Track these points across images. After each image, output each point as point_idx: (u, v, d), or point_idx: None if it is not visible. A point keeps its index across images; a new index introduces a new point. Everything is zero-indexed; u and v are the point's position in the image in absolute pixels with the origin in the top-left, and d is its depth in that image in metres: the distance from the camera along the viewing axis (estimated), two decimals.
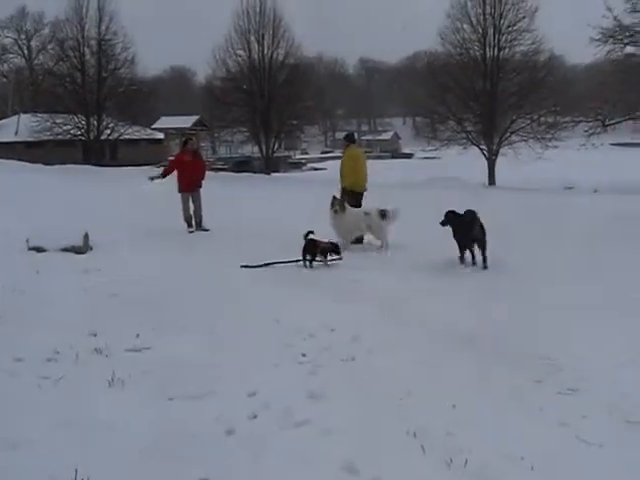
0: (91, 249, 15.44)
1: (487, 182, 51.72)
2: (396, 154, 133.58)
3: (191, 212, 19.66)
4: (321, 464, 5.43)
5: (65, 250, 14.95)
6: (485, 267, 13.96)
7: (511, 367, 7.82)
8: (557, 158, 54.41)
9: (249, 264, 13.79)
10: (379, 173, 50.24)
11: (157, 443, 5.73)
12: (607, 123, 46.76)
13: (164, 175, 20.19)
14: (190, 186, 19.64)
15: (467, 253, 14.37)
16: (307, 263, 14.05)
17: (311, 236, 14.26)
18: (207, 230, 19.41)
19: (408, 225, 17.05)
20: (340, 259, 14.47)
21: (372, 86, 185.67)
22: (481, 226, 14.04)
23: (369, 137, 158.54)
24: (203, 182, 20.03)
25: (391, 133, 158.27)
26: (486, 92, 53.86)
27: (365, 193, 18.20)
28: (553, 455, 5.72)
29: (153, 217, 20.87)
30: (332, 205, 16.38)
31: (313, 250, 14.12)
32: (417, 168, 73.95)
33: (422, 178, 49.50)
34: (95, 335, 8.64)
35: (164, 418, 6.22)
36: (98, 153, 64.88)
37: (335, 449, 5.64)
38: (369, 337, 8.83)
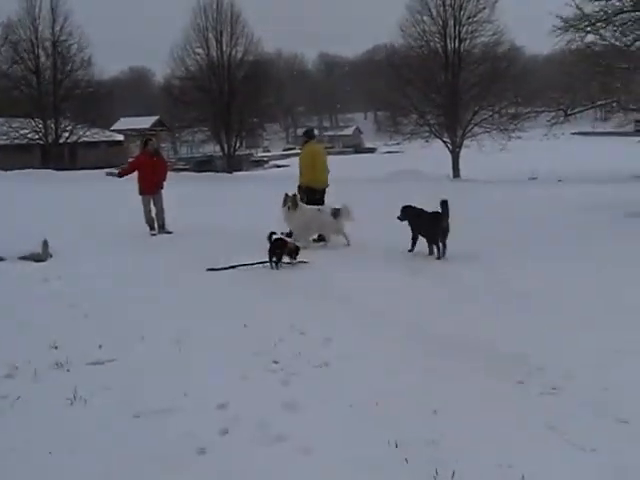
0: (51, 256, 14.91)
1: (452, 175, 51.40)
2: (359, 149, 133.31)
3: (153, 215, 19.10)
4: None
5: (23, 258, 14.40)
6: (440, 257, 14.35)
7: (489, 368, 7.50)
8: (520, 149, 54.51)
9: (214, 267, 13.37)
10: (343, 168, 50.08)
11: (123, 466, 5.38)
12: (569, 112, 46.59)
13: (120, 175, 19.95)
14: (151, 188, 19.06)
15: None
16: (273, 264, 13.62)
17: (276, 236, 13.91)
18: (170, 232, 18.86)
19: (375, 220, 17.09)
20: (306, 262, 14.07)
21: (332, 81, 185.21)
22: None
23: (331, 133, 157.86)
24: (165, 183, 19.47)
25: (353, 128, 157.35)
26: (448, 84, 53.56)
27: (327, 190, 17.78)
28: (543, 462, 5.44)
29: (115, 220, 20.45)
30: (284, 202, 16.09)
31: (280, 251, 13.72)
32: (381, 162, 73.87)
33: (386, 172, 49.09)
34: (56, 348, 8.27)
35: (130, 437, 5.87)
36: (57, 156, 64.04)
37: (316, 467, 5.35)
38: (341, 340, 8.52)
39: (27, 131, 63.23)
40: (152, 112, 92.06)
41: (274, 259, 13.61)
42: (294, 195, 16.27)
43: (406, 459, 5.42)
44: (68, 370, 7.51)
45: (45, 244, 14.90)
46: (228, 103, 64.13)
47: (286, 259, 13.83)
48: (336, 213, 16.18)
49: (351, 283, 11.98)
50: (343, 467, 5.36)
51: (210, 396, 6.65)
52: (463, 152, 53.46)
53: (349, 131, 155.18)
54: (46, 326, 9.26)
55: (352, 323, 9.36)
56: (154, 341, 8.53)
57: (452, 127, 53.20)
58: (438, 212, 14.20)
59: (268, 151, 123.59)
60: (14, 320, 9.59)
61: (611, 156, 62.46)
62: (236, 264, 13.50)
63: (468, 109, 53.83)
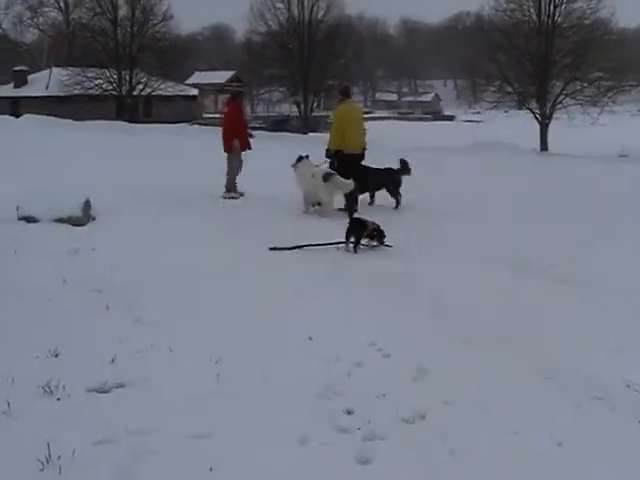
0: (93, 219, 12.91)
1: (539, 148, 48.30)
2: (438, 116, 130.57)
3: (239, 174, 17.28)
4: None
5: (60, 221, 12.42)
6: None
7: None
8: (611, 124, 51.37)
9: (277, 246, 11.25)
10: (422, 136, 47.91)
11: None
12: None
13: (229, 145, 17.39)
14: (245, 143, 17.37)
15: None
16: (351, 246, 11.41)
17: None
18: (242, 194, 16.96)
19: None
20: (390, 246, 11.79)
21: (413, 47, 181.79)
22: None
23: (410, 99, 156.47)
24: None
25: (432, 95, 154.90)
26: (540, 51, 50.05)
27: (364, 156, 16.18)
28: None
29: (184, 181, 18.16)
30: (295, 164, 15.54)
31: (360, 232, 11.49)
32: (461, 131, 70.82)
33: (467, 143, 46.28)
34: (56, 356, 6.20)
35: None
36: (131, 109, 62.45)
37: None
38: (439, 371, 6.27)
39: (102, 81, 61.48)
40: (229, 68, 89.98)
41: (352, 240, 11.40)
42: (306, 156, 15.51)
43: None
44: (59, 399, 5.39)
45: (87, 205, 12.87)
46: (307, 61, 61.96)
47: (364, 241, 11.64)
48: (327, 177, 14.83)
49: (446, 282, 9.62)
50: None
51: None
52: (552, 125, 50.12)
53: (428, 97, 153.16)
54: (52, 322, 7.21)
55: (450, 343, 7.08)
56: (183, 358, 6.39)
57: (542, 97, 49.83)
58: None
59: None
60: (13, 312, 7.55)
61: None
62: (304, 244, 11.36)
63: (560, 79, 50.30)
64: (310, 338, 6.96)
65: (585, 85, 49.33)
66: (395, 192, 16.52)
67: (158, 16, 65.53)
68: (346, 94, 16.49)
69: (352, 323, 7.46)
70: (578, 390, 5.96)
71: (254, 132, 45.15)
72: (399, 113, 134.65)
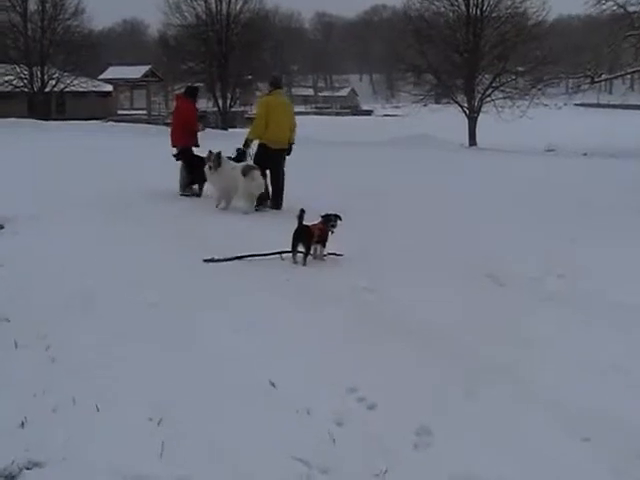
0: (1, 228, 11.50)
1: (468, 142, 47.44)
2: (355, 111, 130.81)
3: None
4: None
5: None
6: None
7: None
8: (539, 118, 50.74)
9: (214, 257, 9.73)
10: (343, 132, 47.19)
11: None
12: (596, 79, 43.39)
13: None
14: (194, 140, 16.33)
15: None
16: (300, 257, 9.95)
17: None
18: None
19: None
20: (340, 254, 10.42)
21: (328, 42, 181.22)
22: None
23: (326, 93, 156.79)
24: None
25: (348, 89, 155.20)
26: (469, 42, 49.35)
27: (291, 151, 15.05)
28: None
29: (104, 182, 16.60)
30: (206, 160, 14.17)
31: (308, 239, 10.00)
32: (381, 126, 69.89)
33: (393, 136, 45.19)
34: None
35: None
36: (44, 106, 60.44)
37: None
38: (444, 431, 4.96)
39: (12, 78, 59.65)
40: (145, 62, 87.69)
41: (300, 249, 9.95)
42: (218, 153, 14.15)
43: None
44: None
45: None
46: (225, 55, 60.38)
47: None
48: (246, 171, 13.79)
49: (415, 299, 8.18)
50: None
51: None
52: (480, 118, 49.26)
53: (344, 92, 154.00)
54: None
55: (452, 391, 5.69)
56: (115, 419, 4.95)
57: (471, 90, 48.99)
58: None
59: None
60: None
61: (628, 129, 58.68)
62: (243, 254, 9.88)
63: (489, 71, 49.52)
64: (272, 384, 5.57)
65: (514, 78, 48.59)
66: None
67: (69, 11, 64.13)
68: (276, 84, 15.19)
69: (318, 360, 6.09)
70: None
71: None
72: (317, 108, 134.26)
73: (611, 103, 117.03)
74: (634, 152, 36.88)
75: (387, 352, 6.40)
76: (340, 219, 10.15)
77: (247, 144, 14.67)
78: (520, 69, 48.34)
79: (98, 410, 5.02)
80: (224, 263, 9.62)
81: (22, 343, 6.23)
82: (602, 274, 9.67)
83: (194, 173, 15.46)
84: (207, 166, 14.15)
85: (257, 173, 13.77)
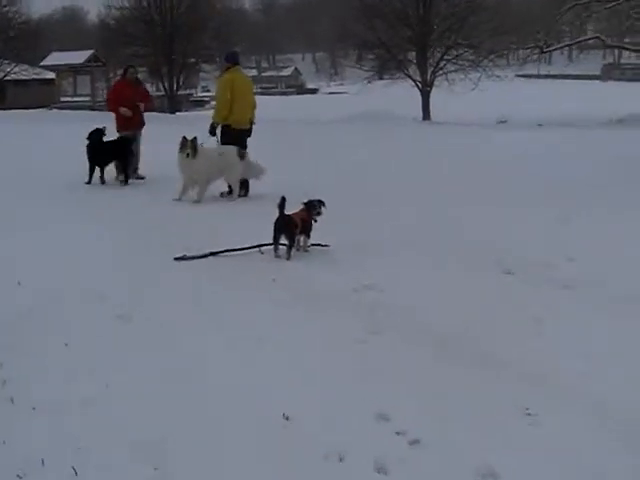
0: None
1: (422, 117, 46.45)
2: (301, 90, 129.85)
3: None
4: None
5: None
6: None
7: None
8: (491, 90, 50.12)
9: (186, 254, 8.76)
10: (291, 111, 46.40)
11: None
12: (545, 50, 42.83)
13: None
14: (134, 123, 15.97)
15: None
16: (282, 251, 8.96)
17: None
18: (143, 178, 16.04)
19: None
20: (327, 245, 9.46)
21: (269, 21, 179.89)
22: None
23: (271, 73, 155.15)
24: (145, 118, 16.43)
25: (292, 69, 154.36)
26: (419, 16, 48.13)
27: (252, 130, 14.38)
28: None
29: (60, 167, 16.14)
30: (182, 148, 13.10)
31: (291, 230, 9.00)
32: (330, 104, 68.64)
33: (348, 114, 44.12)
34: None
35: None
36: None
37: None
38: (509, 467, 4.03)
39: None
40: (87, 48, 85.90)
41: (282, 242, 8.98)
42: (194, 139, 13.17)
43: None
44: None
45: None
46: (171, 36, 58.66)
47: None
48: (243, 155, 13.49)
49: (425, 298, 7.24)
50: None
51: None
52: (432, 92, 48.29)
53: (288, 72, 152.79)
54: None
55: (508, 408, 4.79)
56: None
57: (422, 63, 47.94)
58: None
59: (208, 90, 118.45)
60: None
61: (571, 99, 58.40)
62: (218, 250, 8.93)
63: (440, 43, 48.47)
64: (286, 417, 4.59)
65: (466, 51, 47.72)
66: (124, 165, 15.17)
67: None
68: (235, 60, 14.32)
69: (334, 381, 5.16)
70: None
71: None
72: (262, 88, 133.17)
73: (551, 74, 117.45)
74: (586, 121, 36.50)
75: (412, 366, 5.47)
76: (324, 205, 9.26)
77: (213, 128, 13.85)
78: (471, 41, 47.44)
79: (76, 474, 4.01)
80: (197, 261, 8.63)
81: None
82: (609, 256, 8.86)
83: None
84: (184, 153, 13.04)
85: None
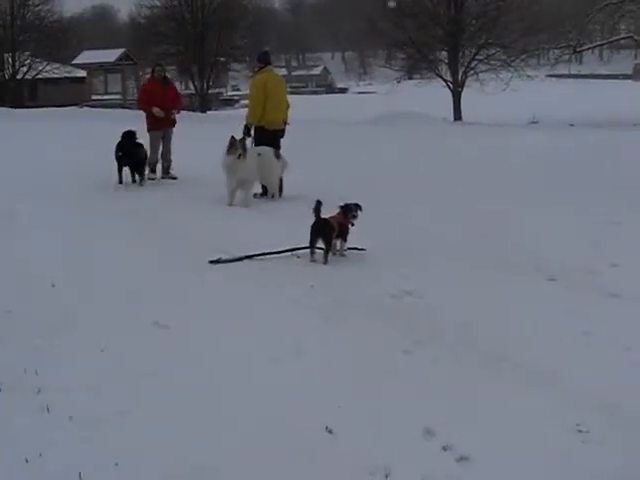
0: None
1: (452, 117, 46.14)
2: (330, 89, 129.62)
3: (159, 155, 15.90)
4: None
5: None
6: None
7: None
8: (522, 90, 49.89)
9: (221, 257, 8.66)
10: (322, 111, 46.30)
11: None
12: (579, 49, 42.54)
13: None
14: (164, 122, 15.72)
15: None
16: (319, 255, 8.82)
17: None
18: (175, 178, 15.80)
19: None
20: (363, 249, 9.32)
21: (299, 21, 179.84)
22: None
23: (300, 72, 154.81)
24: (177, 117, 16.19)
25: (321, 68, 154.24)
26: (450, 15, 47.87)
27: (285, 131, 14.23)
28: None
29: (87, 173, 15.66)
30: (232, 149, 12.48)
31: (329, 234, 8.85)
32: (360, 104, 68.41)
33: (376, 115, 43.86)
34: None
35: None
36: (15, 94, 59.15)
37: None
38: None
39: None
40: (118, 46, 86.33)
41: (319, 246, 8.84)
42: (242, 138, 12.98)
43: None
44: None
45: None
46: (202, 35, 58.88)
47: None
48: (279, 155, 13.37)
49: (473, 307, 7.02)
50: None
51: None
52: (464, 93, 47.96)
53: (317, 71, 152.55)
54: None
55: (562, 425, 4.63)
56: None
57: (454, 63, 47.65)
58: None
59: (238, 89, 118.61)
60: None
61: (602, 99, 57.63)
62: (254, 253, 8.83)
63: (472, 43, 48.18)
64: (329, 430, 4.47)
65: (498, 50, 47.39)
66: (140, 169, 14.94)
67: None
68: (266, 61, 14.15)
69: (378, 394, 5.02)
70: None
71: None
72: (292, 87, 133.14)
73: (581, 73, 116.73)
74: (617, 122, 36.15)
75: (459, 380, 5.30)
76: (361, 209, 9.14)
77: (248, 129, 13.68)
78: (502, 41, 47.08)
79: None
80: (232, 264, 8.52)
81: (7, 383, 5.12)
82: None
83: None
84: (235, 154, 12.51)
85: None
